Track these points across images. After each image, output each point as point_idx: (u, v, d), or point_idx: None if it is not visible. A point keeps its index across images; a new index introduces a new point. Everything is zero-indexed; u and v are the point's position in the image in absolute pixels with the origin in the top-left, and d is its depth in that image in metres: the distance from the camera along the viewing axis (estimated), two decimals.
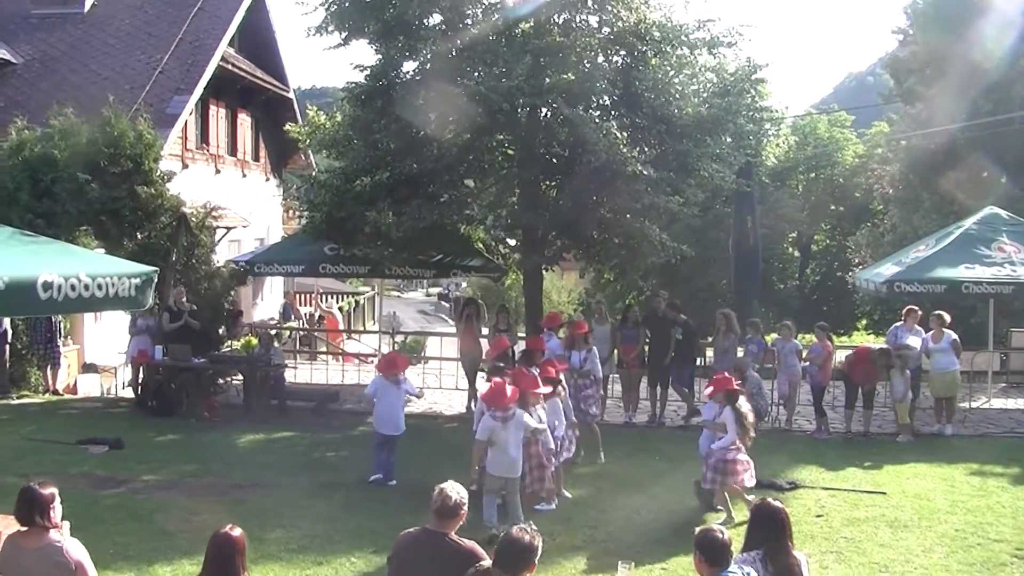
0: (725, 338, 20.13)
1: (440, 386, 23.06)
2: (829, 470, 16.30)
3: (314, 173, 28.66)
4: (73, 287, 10.23)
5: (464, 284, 36.28)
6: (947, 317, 19.32)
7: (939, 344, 19.13)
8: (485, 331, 21.71)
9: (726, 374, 14.51)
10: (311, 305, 39.68)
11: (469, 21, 20.26)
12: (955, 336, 19.31)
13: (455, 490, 7.33)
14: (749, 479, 13.43)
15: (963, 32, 31.87)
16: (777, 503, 7.34)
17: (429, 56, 20.03)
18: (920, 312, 19.75)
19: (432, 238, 20.58)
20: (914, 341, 19.25)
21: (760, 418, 18.84)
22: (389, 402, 15.04)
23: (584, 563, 11.69)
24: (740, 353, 20.21)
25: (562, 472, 14.63)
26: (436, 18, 20.56)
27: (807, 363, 19.78)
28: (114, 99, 23.34)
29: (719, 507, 13.60)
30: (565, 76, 18.84)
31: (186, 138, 30.09)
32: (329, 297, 41.65)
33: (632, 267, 22.88)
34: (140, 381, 21.47)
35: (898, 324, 19.88)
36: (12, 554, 7.12)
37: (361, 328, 39.69)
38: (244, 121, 35.63)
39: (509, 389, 12.80)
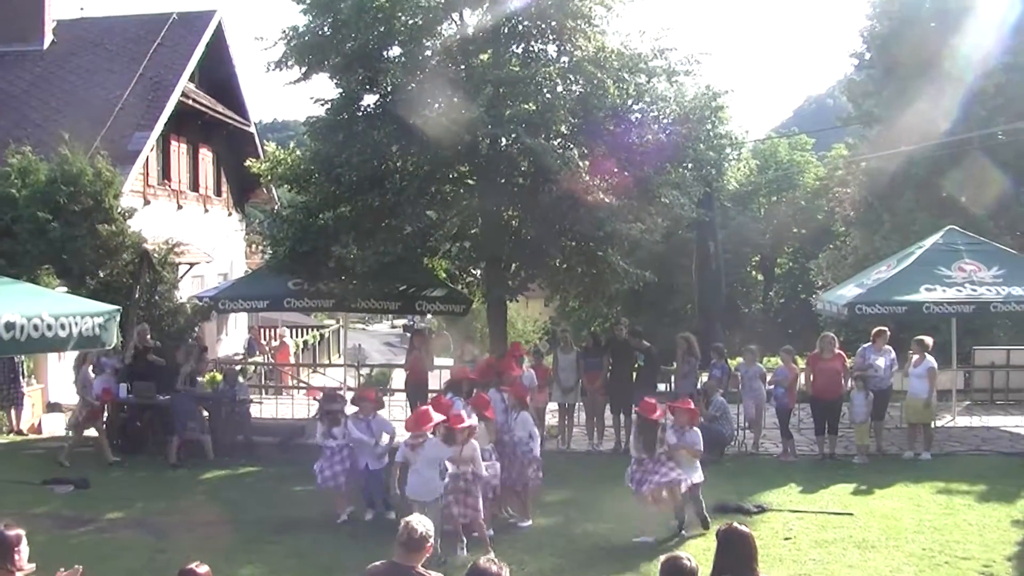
0: (685, 362, 20.20)
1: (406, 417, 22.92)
2: (796, 493, 16.38)
3: (276, 207, 28.61)
4: (36, 327, 10.21)
5: (429, 316, 36.41)
6: (929, 342, 19.34)
7: (917, 369, 19.13)
8: (443, 360, 21.67)
9: (690, 401, 14.82)
10: (275, 339, 39.50)
11: (429, 53, 20.31)
12: (934, 364, 19.26)
13: (421, 523, 7.32)
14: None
15: (921, 55, 32.14)
16: (744, 528, 7.35)
17: (389, 88, 20.06)
18: (888, 333, 19.87)
19: (396, 271, 20.54)
20: (881, 362, 19.34)
21: (726, 442, 18.99)
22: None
23: None
24: (704, 377, 20.33)
25: (522, 498, 14.85)
26: (396, 50, 20.60)
27: (772, 386, 19.84)
28: (71, 136, 23.24)
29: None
30: (525, 106, 18.94)
31: (147, 174, 30.04)
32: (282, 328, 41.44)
33: (596, 294, 22.97)
34: (105, 420, 21.29)
35: (867, 345, 19.96)
36: None
37: (327, 361, 39.52)
38: (206, 156, 35.58)
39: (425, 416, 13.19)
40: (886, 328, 19.91)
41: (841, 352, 19.50)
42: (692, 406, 14.52)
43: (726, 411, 19.27)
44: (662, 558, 6.89)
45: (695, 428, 14.10)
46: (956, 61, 31.45)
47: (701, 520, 13.99)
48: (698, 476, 13.97)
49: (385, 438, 15.27)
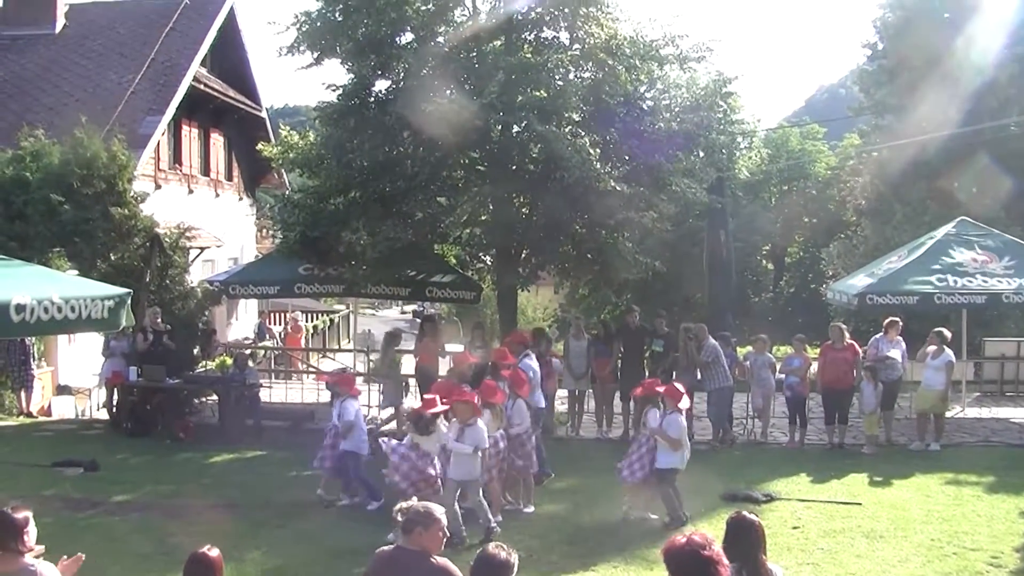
0: (687, 353, 20.11)
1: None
2: (805, 482, 16.36)
3: (287, 192, 28.62)
4: (46, 309, 10.19)
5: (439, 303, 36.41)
6: (948, 334, 19.29)
7: (935, 361, 19.03)
8: (454, 347, 21.70)
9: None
10: (289, 323, 39.50)
11: (441, 39, 20.29)
12: (952, 357, 19.25)
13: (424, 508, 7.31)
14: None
15: (933, 45, 32.04)
16: (752, 516, 7.30)
17: (401, 75, 20.08)
18: (901, 324, 19.82)
19: (407, 257, 20.56)
20: (895, 354, 19.31)
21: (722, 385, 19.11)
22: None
23: None
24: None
25: (527, 485, 14.96)
26: (408, 36, 20.59)
27: (783, 375, 19.80)
28: (86, 120, 23.30)
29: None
30: (537, 93, 18.91)
31: (159, 158, 30.02)
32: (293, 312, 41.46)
33: (606, 282, 22.94)
34: (115, 402, 21.36)
35: (878, 336, 19.95)
36: None
37: (336, 347, 39.51)
38: (217, 140, 35.54)
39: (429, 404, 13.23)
40: (898, 319, 19.86)
41: (853, 342, 19.46)
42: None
43: (718, 356, 19.16)
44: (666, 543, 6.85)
45: (677, 414, 13.95)
46: (968, 51, 31.36)
47: (671, 513, 13.82)
48: (674, 461, 13.82)
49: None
